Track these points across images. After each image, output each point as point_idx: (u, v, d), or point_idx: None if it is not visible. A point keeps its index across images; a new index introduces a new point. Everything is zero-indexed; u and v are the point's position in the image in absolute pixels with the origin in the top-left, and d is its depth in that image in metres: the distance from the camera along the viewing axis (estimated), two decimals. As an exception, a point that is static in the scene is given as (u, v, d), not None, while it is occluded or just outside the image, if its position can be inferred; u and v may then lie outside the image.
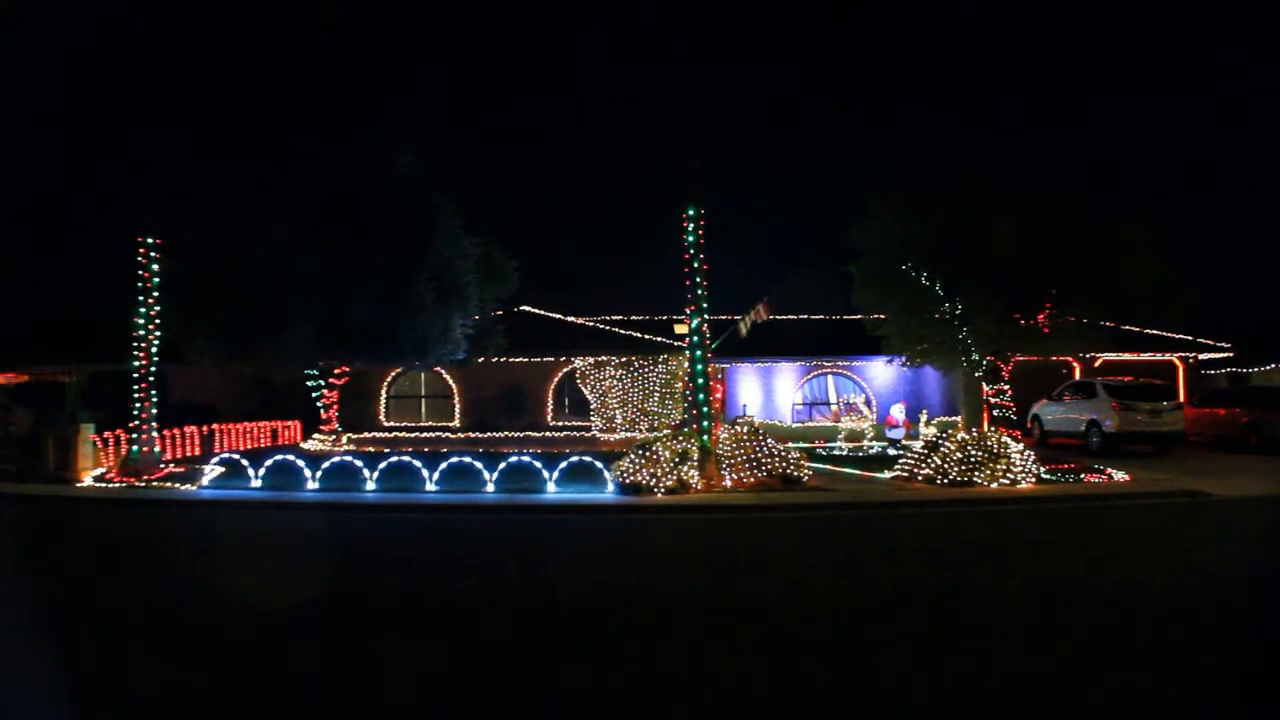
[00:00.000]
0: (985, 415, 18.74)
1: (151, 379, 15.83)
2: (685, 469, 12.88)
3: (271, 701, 4.44)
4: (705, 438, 13.72)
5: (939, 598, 6.57)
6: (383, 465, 13.69)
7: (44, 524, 11.45)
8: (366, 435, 22.00)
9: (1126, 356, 23.18)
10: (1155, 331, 23.80)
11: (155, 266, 15.77)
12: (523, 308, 24.51)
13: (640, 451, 12.99)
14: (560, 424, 23.22)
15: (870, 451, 19.32)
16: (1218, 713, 4.35)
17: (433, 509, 11.99)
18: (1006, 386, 17.12)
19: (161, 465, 15.64)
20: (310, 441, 19.96)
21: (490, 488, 13.07)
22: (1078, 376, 22.20)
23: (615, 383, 23.00)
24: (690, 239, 13.88)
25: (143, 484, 14.33)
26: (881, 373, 24.07)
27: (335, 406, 19.75)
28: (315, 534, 10.39)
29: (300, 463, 13.79)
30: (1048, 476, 13.78)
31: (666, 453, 12.83)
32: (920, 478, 13.69)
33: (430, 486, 13.20)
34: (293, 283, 15.91)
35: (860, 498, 12.49)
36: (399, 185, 16.92)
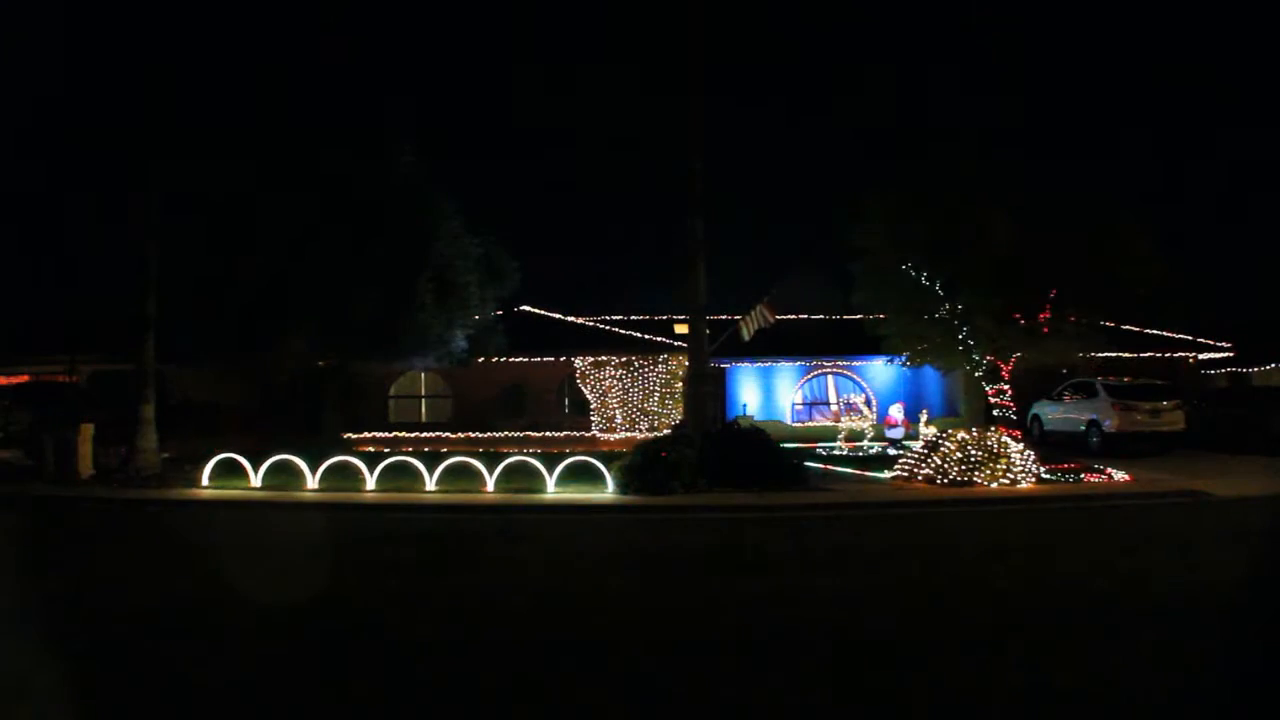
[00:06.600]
0: (985, 415, 18.73)
1: (151, 379, 15.82)
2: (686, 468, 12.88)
3: (275, 700, 4.45)
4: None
5: (938, 597, 6.58)
6: (383, 465, 13.70)
7: (45, 524, 11.45)
8: (367, 435, 21.98)
9: (1126, 356, 23.17)
10: (1155, 331, 23.82)
11: (155, 266, 15.76)
12: (523, 308, 24.51)
13: (642, 451, 12.99)
14: (560, 424, 23.20)
15: (870, 451, 19.31)
16: (1219, 712, 4.35)
17: (433, 509, 11.99)
18: (1006, 386, 17.11)
19: (161, 465, 15.63)
20: (311, 441, 19.94)
21: (490, 487, 13.07)
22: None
23: (615, 383, 23.00)
24: (691, 238, 13.89)
25: (143, 483, 14.33)
26: (881, 373, 24.06)
27: (335, 406, 19.72)
28: (315, 533, 10.39)
29: (300, 462, 13.79)
30: (1048, 476, 13.78)
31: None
32: (920, 478, 13.70)
33: (430, 486, 13.20)
34: (293, 283, 15.90)
35: (860, 498, 12.49)
36: (399, 185, 16.92)
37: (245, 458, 14.10)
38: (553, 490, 12.81)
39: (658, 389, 22.90)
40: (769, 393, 24.69)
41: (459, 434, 22.32)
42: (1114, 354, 22.38)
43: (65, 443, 14.90)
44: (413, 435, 22.45)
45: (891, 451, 18.54)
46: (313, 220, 15.94)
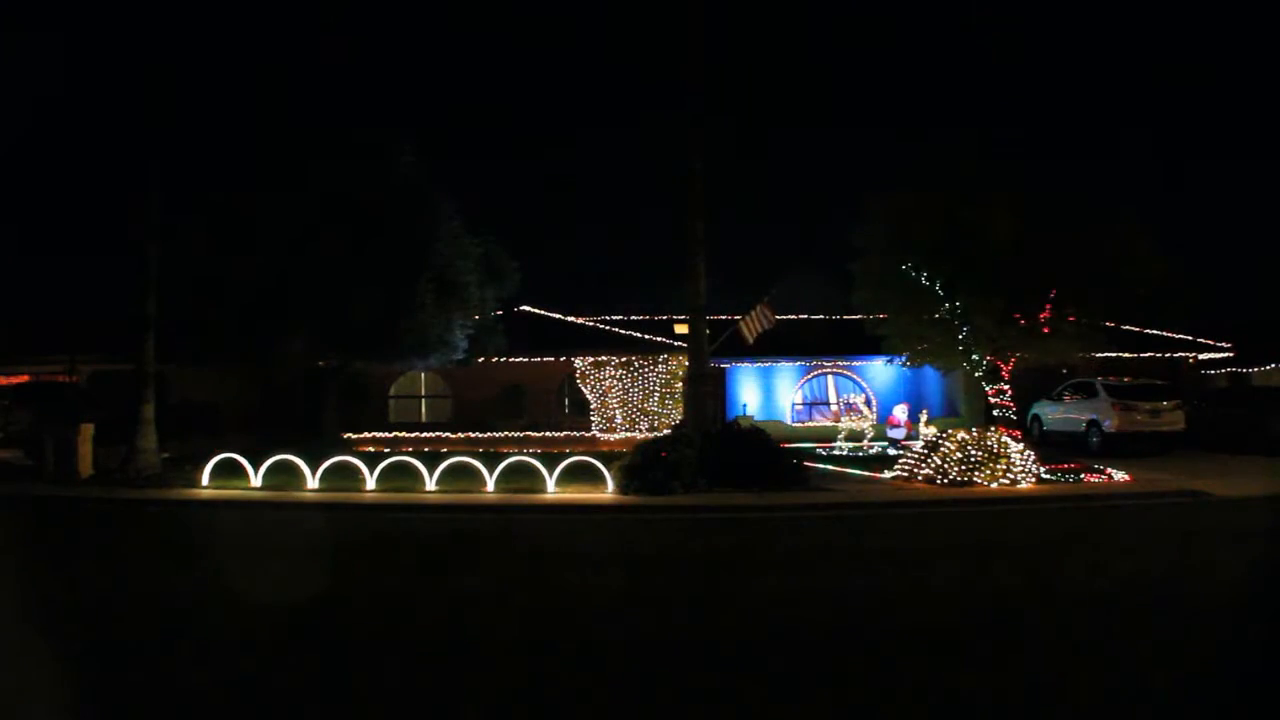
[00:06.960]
0: (985, 415, 18.70)
1: (151, 379, 15.82)
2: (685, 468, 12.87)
3: (275, 700, 4.44)
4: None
5: (937, 597, 6.58)
6: (383, 465, 13.69)
7: (45, 524, 11.44)
8: (367, 435, 21.99)
9: (1126, 356, 23.17)
10: (1155, 331, 23.80)
11: (155, 266, 15.77)
12: (523, 308, 24.51)
13: (642, 451, 12.99)
14: (560, 424, 23.22)
15: (870, 451, 19.31)
16: (1219, 712, 4.35)
17: (433, 509, 11.99)
18: (1006, 386, 17.10)
19: (161, 465, 15.63)
20: (311, 441, 19.95)
21: (490, 487, 13.06)
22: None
23: (615, 383, 23.00)
24: (691, 239, 13.89)
25: (143, 484, 14.33)
26: (881, 373, 24.06)
27: (335, 406, 19.73)
28: (315, 533, 10.39)
29: (300, 462, 13.78)
30: (1048, 476, 13.78)
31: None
32: (920, 478, 13.70)
33: (430, 486, 13.19)
34: (293, 283, 15.90)
35: (860, 498, 12.49)
36: (399, 185, 16.92)
37: (245, 458, 14.10)
38: (553, 490, 12.80)
39: (658, 389, 22.90)
40: (769, 393, 24.69)
41: (459, 434, 22.33)
42: (1114, 354, 22.38)
43: (65, 443, 14.90)
44: (413, 435, 22.46)
45: (892, 451, 18.54)
46: (313, 220, 15.94)
